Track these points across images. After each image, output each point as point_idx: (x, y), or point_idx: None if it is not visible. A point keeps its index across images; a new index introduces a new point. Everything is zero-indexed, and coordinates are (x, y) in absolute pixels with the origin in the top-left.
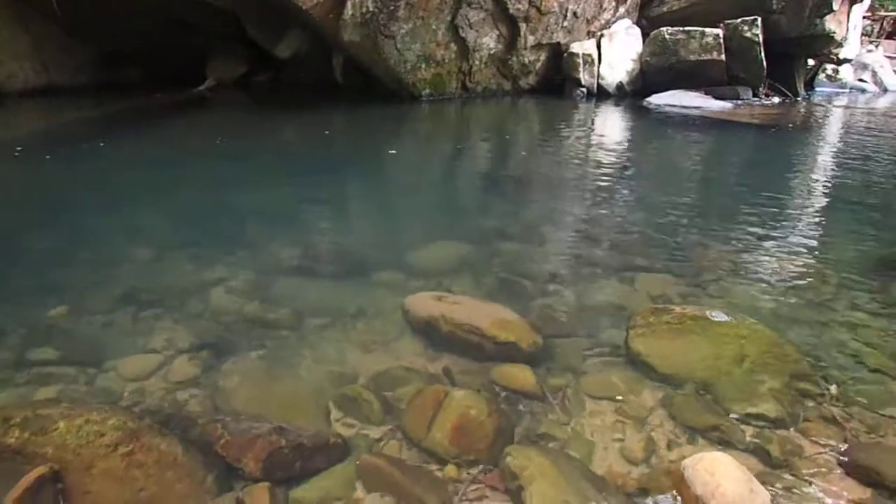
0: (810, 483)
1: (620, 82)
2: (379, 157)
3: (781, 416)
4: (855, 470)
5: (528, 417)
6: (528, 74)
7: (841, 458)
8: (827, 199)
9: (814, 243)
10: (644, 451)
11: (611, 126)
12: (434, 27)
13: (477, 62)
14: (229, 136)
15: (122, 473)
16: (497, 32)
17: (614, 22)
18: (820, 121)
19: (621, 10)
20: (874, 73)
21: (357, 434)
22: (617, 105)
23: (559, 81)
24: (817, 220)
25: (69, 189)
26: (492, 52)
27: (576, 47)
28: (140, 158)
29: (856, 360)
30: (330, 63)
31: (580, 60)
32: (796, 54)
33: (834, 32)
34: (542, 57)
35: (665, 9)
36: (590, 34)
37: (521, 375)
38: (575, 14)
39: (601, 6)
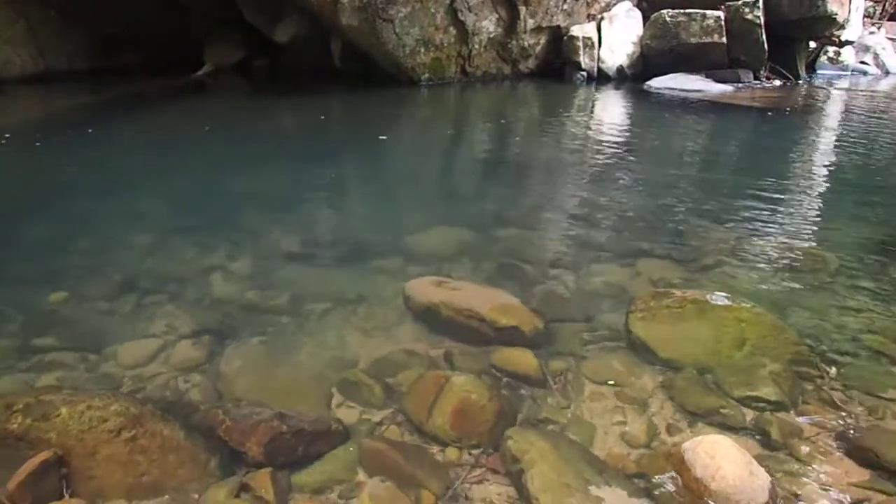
0: (810, 465)
1: (621, 66)
2: (377, 142)
3: (781, 398)
4: (854, 452)
5: (528, 401)
6: (527, 58)
7: (840, 440)
8: (827, 183)
9: (813, 227)
10: (644, 434)
11: (611, 110)
12: (433, 11)
13: (476, 46)
14: (227, 123)
15: (125, 458)
16: (496, 16)
17: (615, 4)
18: (821, 104)
19: None
20: (876, 56)
21: (358, 419)
22: (617, 89)
23: (559, 65)
24: (817, 203)
25: (72, 176)
26: (491, 35)
27: (576, 30)
28: (136, 144)
29: (855, 344)
30: (328, 48)
31: (580, 44)
32: (798, 37)
33: (836, 14)
34: (542, 40)
35: None
36: (590, 17)
37: (521, 359)
38: None
39: None
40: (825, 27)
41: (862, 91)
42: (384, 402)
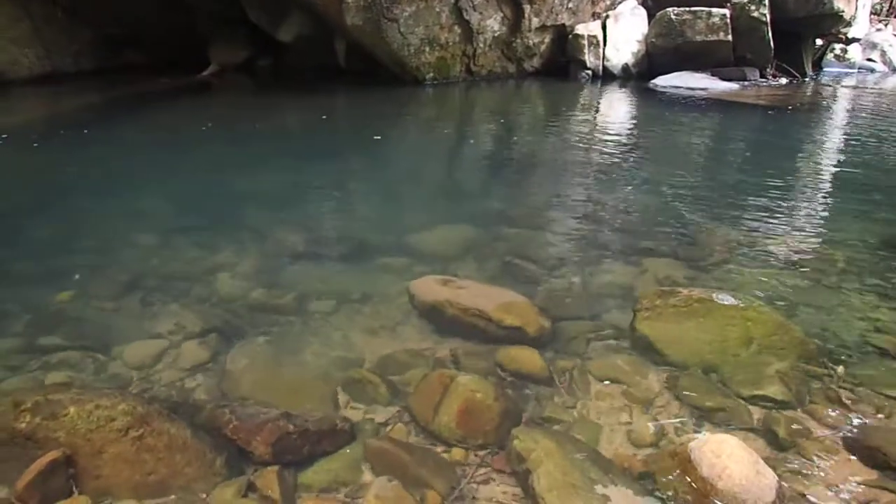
0: (817, 464)
1: (626, 64)
2: (381, 141)
3: (788, 397)
4: (862, 451)
5: (534, 400)
6: (532, 57)
7: (847, 439)
8: (833, 181)
9: (820, 225)
10: (650, 433)
11: (616, 108)
12: (437, 10)
13: (481, 45)
14: (230, 122)
15: (132, 457)
16: (501, 14)
17: (620, 3)
18: (828, 102)
19: None
20: (883, 53)
21: (364, 418)
22: (622, 87)
23: (564, 64)
24: (823, 201)
25: (80, 176)
26: (496, 34)
27: (581, 29)
28: (141, 145)
29: (862, 342)
30: (332, 47)
31: (585, 42)
32: (804, 34)
33: (842, 11)
34: (547, 39)
35: None
36: (595, 15)
37: (527, 358)
38: None
39: None
40: (831, 24)
41: (869, 88)
42: (390, 402)
